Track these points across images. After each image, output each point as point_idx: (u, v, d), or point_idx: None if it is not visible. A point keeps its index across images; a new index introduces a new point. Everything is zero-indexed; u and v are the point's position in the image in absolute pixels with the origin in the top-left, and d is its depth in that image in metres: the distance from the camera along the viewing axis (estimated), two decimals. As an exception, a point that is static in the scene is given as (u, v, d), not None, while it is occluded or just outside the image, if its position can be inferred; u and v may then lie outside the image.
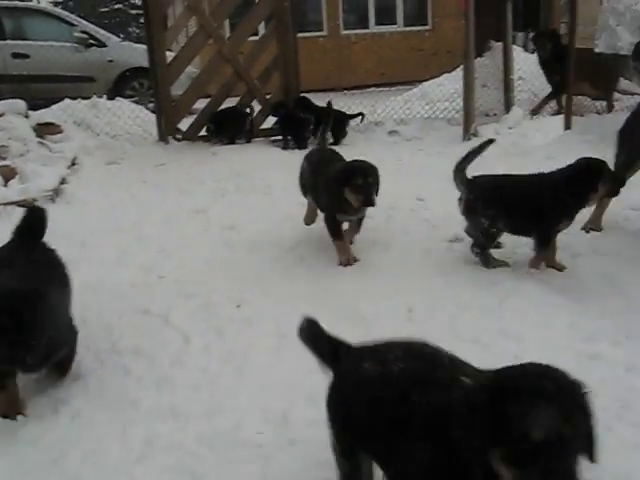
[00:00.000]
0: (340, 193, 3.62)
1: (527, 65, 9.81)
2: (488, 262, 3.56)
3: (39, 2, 23.00)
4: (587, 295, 3.16)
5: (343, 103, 8.76)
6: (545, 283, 3.27)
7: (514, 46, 8.75)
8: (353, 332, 2.87)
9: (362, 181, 3.59)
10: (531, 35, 15.17)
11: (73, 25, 11.16)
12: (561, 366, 2.45)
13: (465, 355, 2.64)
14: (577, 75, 8.00)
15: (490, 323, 2.93)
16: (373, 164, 3.78)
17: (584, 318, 2.93)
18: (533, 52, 11.69)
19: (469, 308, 3.09)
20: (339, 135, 7.66)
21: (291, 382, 2.55)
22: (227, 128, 7.80)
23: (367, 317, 3.08)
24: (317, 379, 2.53)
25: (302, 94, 8.13)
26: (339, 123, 7.58)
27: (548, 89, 8.95)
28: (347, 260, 3.72)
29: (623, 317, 2.92)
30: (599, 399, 2.31)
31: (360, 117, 8.19)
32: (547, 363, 1.50)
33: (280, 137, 7.76)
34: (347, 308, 3.17)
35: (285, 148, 7.49)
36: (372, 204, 3.61)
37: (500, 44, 8.32)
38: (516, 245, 3.76)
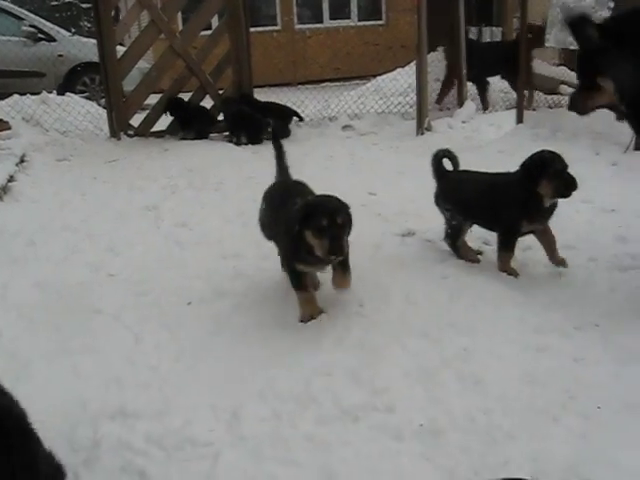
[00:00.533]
0: (298, 237, 2.89)
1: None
2: (457, 253, 3.61)
3: (-14, -5, 22.47)
4: (536, 288, 3.20)
5: (296, 98, 8.79)
6: (495, 277, 3.30)
7: (468, 41, 8.83)
8: (297, 330, 2.91)
9: (327, 222, 2.83)
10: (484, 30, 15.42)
11: (21, 19, 10.93)
12: (510, 358, 2.54)
13: (415, 349, 2.69)
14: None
15: (440, 317, 2.95)
16: (342, 201, 3.02)
17: (533, 310, 2.97)
18: (486, 47, 11.84)
19: (419, 302, 3.10)
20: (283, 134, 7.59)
21: (241, 379, 2.55)
22: (193, 123, 7.74)
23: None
24: (268, 375, 2.56)
25: (255, 89, 8.12)
26: (282, 119, 7.59)
27: (500, 83, 9.09)
28: (310, 315, 3.00)
29: (571, 309, 2.97)
30: (547, 390, 2.37)
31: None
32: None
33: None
34: (296, 307, 3.16)
35: (238, 144, 7.44)
36: (341, 253, 2.87)
37: (451, 38, 8.41)
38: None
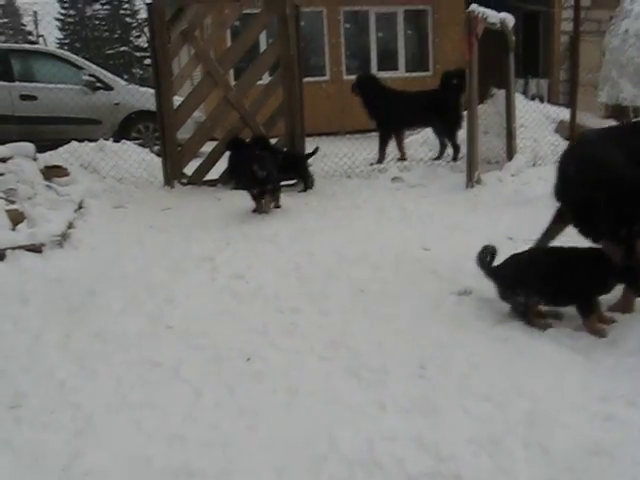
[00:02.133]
0: None
1: (528, 112, 9.94)
2: (526, 319, 3.54)
3: (46, 43, 23.35)
4: (599, 353, 3.15)
5: (347, 148, 8.89)
6: (557, 341, 3.25)
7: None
8: (361, 391, 2.90)
9: None
10: (531, 82, 15.49)
11: (81, 68, 11.32)
12: (575, 427, 2.49)
13: (479, 414, 2.66)
14: None
15: (502, 381, 2.92)
16: None
17: (598, 376, 2.91)
18: (533, 99, 11.90)
19: (481, 365, 3.08)
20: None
21: (304, 440, 2.54)
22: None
23: (377, 372, 3.08)
24: (330, 437, 2.55)
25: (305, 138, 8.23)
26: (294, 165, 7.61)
27: (550, 137, 9.10)
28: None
29: (637, 375, 2.91)
30: (616, 462, 2.32)
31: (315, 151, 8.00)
32: None
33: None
34: (357, 363, 3.17)
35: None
36: None
37: (502, 91, 8.43)
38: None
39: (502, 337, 3.37)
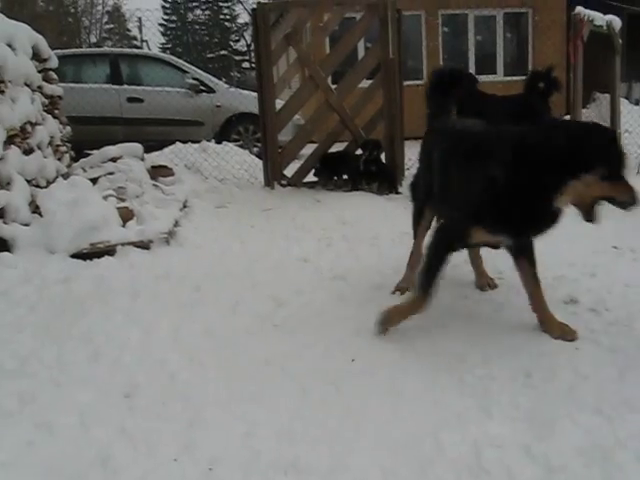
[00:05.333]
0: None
1: (633, 117, 9.62)
2: None
3: (150, 48, 24.16)
4: None
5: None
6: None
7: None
8: (466, 397, 2.88)
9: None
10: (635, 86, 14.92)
11: (185, 72, 11.67)
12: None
13: (589, 425, 2.60)
14: None
15: (611, 393, 2.84)
16: None
17: None
18: (637, 103, 11.49)
19: (589, 376, 3.00)
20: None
21: (411, 442, 2.54)
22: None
23: (482, 378, 3.05)
24: (437, 441, 2.54)
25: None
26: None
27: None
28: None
29: None
30: None
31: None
32: None
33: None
34: (461, 368, 3.14)
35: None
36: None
37: (605, 95, 8.20)
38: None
39: (610, 347, 3.28)
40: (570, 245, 5.08)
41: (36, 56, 6.70)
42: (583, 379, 2.99)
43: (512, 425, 2.64)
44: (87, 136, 9.07)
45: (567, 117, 8.15)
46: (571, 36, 7.38)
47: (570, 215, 5.89)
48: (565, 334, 3.42)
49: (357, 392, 2.96)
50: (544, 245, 5.09)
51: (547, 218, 3.31)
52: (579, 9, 7.40)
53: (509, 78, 16.23)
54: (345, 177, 8.08)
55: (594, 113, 8.71)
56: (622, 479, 2.29)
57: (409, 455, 2.47)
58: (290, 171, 8.26)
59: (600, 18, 7.66)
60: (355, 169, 7.93)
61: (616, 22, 8.01)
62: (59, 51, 9.71)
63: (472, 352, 3.30)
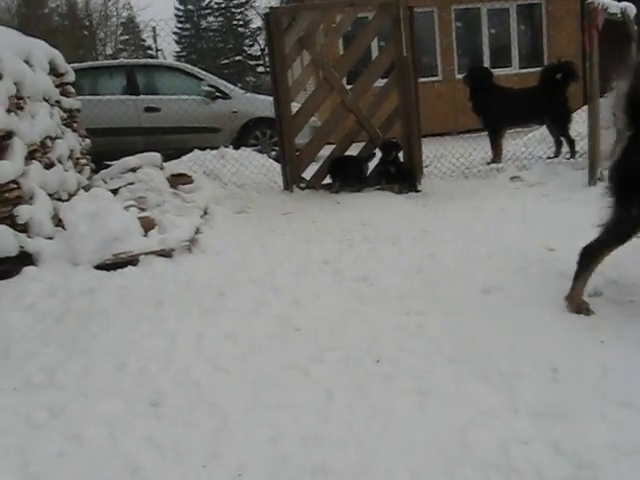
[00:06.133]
0: None
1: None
2: None
3: (164, 57, 24.33)
4: None
5: (463, 149, 8.80)
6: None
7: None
8: (491, 395, 2.86)
9: None
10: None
11: (201, 79, 11.73)
12: None
13: (617, 420, 2.57)
14: None
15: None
16: None
17: None
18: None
19: (616, 369, 2.97)
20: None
21: (437, 442, 2.54)
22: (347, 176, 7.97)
23: (508, 375, 3.03)
24: (464, 439, 2.53)
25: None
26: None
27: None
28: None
29: None
30: None
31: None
32: None
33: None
34: (487, 365, 3.13)
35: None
36: None
37: (623, 84, 8.09)
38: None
39: (636, 339, 3.24)
40: (592, 236, 5.04)
41: (53, 71, 6.77)
42: (610, 372, 2.96)
43: (539, 422, 2.62)
44: (106, 147, 9.13)
45: (585, 107, 8.07)
46: (585, 25, 7.30)
47: (589, 205, 5.86)
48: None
49: (382, 393, 2.96)
50: (564, 237, 5.11)
51: None
52: (593, -3, 7.33)
53: (524, 70, 16.12)
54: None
55: (612, 102, 8.60)
56: (652, 473, 2.26)
57: (436, 455, 2.47)
58: (308, 174, 8.26)
59: (614, 6, 7.58)
60: (360, 172, 7.95)
61: (631, 9, 7.92)
62: (76, 65, 9.81)
63: (497, 349, 3.28)
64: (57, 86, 6.84)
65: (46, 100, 6.26)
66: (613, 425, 2.55)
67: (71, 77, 7.36)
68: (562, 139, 8.96)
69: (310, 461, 2.49)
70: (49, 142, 6.01)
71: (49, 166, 5.89)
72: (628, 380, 2.88)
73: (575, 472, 2.29)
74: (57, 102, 6.73)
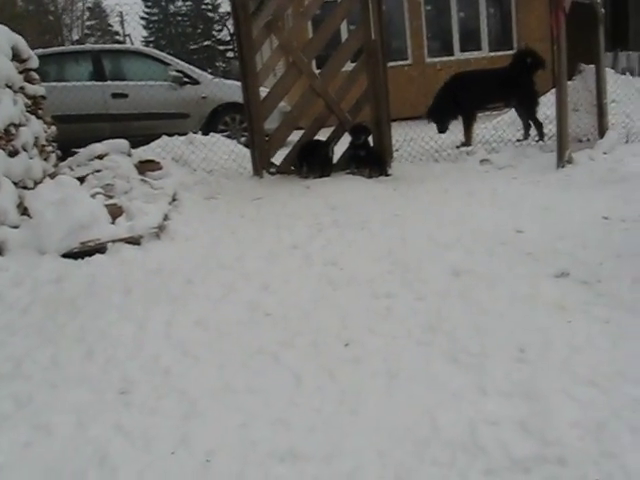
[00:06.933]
0: None
1: (619, 87, 9.59)
2: None
3: (132, 42, 24.02)
4: None
5: (433, 132, 8.82)
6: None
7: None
8: (460, 376, 2.88)
9: None
10: (620, 55, 14.89)
11: (168, 64, 11.59)
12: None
13: (583, 398, 2.61)
14: None
15: (606, 365, 2.85)
16: None
17: None
18: (624, 73, 11.46)
19: (582, 348, 3.01)
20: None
21: (405, 424, 2.55)
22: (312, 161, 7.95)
23: (476, 356, 3.05)
24: (432, 421, 2.55)
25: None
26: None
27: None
28: None
29: None
30: None
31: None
32: None
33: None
34: (455, 347, 3.15)
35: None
36: None
37: (591, 67, 8.16)
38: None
39: (603, 319, 3.28)
40: (560, 218, 5.11)
41: (16, 57, 6.63)
42: (577, 352, 3.00)
43: (507, 401, 2.65)
44: (73, 134, 9.00)
45: (553, 90, 8.12)
46: (552, 8, 7.33)
47: (558, 187, 5.91)
48: None
49: (351, 377, 2.97)
50: (533, 219, 5.15)
51: None
52: (559, -20, 7.35)
53: (494, 54, 16.16)
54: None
55: (580, 85, 8.64)
56: (617, 450, 2.29)
57: (405, 437, 2.48)
58: (278, 159, 8.22)
59: (581, -12, 7.63)
60: (324, 157, 7.92)
61: (598, -9, 7.97)
62: (40, 50, 9.64)
63: (466, 330, 3.31)
64: (20, 72, 6.70)
65: (9, 87, 6.13)
66: (579, 404, 2.58)
67: (35, 63, 7.21)
68: (530, 122, 9.02)
69: (279, 446, 2.49)
70: (13, 129, 5.90)
71: (13, 154, 5.79)
72: (594, 359, 2.91)
73: (541, 450, 2.32)
74: (21, 89, 6.60)
